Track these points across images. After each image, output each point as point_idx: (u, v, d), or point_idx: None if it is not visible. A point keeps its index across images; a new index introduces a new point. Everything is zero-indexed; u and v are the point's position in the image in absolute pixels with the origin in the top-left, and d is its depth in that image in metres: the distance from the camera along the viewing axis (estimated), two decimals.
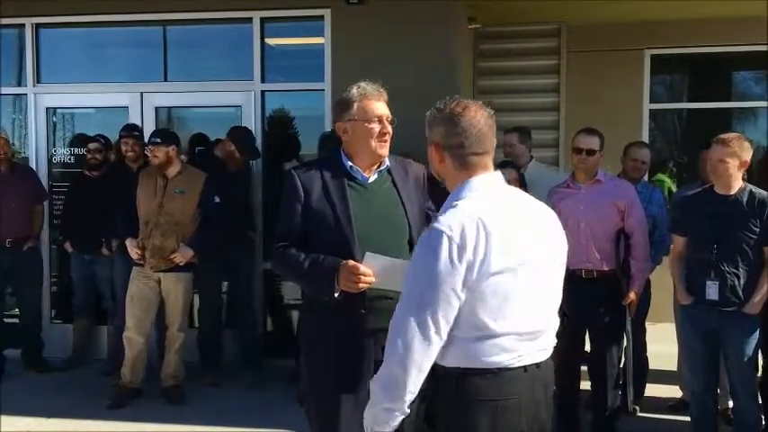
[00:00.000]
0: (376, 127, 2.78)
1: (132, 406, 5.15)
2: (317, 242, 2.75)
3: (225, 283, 5.89)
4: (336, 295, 2.65)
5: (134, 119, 6.17)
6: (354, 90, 2.82)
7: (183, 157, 6.18)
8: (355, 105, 2.79)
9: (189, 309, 5.37)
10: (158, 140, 5.16)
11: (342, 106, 2.83)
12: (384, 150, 2.82)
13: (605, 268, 4.29)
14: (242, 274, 5.77)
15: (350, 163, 2.83)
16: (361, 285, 2.62)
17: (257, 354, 5.84)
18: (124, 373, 5.25)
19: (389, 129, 2.81)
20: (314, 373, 2.82)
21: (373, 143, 2.78)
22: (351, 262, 2.64)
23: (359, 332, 2.72)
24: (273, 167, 6.09)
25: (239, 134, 5.71)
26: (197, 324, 5.85)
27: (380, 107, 2.81)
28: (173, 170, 5.20)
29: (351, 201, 2.76)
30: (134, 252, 5.10)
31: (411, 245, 2.78)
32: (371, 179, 2.84)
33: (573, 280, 4.26)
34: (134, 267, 5.21)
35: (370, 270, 2.62)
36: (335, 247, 2.71)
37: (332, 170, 2.82)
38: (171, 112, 6.42)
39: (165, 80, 6.31)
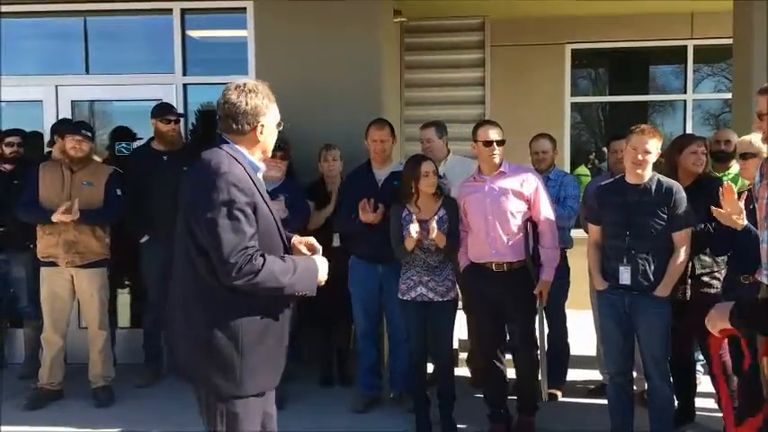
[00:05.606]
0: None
1: (56, 409, 5.00)
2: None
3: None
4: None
5: (49, 113, 5.99)
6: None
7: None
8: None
9: (108, 305, 5.23)
10: (89, 134, 5.11)
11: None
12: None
13: (515, 260, 4.26)
14: None
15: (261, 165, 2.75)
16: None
17: None
18: (42, 375, 5.10)
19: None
20: (253, 373, 2.66)
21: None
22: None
23: (286, 329, 2.74)
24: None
25: None
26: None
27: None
28: (82, 163, 5.07)
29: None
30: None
31: None
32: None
33: (484, 273, 4.30)
34: (42, 268, 5.08)
35: None
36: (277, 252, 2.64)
37: (251, 172, 2.64)
38: (88, 105, 6.23)
39: (87, 73, 6.13)
